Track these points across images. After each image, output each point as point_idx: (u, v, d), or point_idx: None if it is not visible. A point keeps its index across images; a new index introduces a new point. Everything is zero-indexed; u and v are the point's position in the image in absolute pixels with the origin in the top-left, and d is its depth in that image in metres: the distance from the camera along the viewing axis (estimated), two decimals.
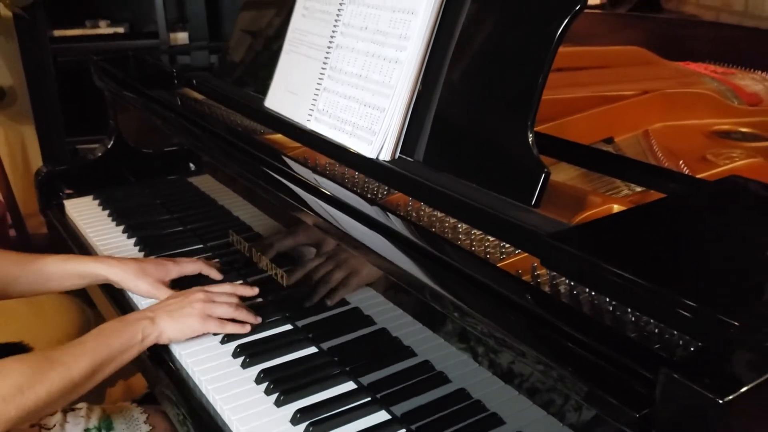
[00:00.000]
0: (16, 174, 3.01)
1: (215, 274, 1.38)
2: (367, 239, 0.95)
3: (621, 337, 0.69)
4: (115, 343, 1.09)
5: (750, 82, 1.80)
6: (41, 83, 2.76)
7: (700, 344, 0.62)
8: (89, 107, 2.90)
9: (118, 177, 1.85)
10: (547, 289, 0.82)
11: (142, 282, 1.32)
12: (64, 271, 1.36)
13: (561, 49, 2.27)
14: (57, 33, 2.77)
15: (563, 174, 1.18)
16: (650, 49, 2.06)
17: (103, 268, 1.35)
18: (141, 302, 1.34)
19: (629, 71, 1.89)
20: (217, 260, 1.43)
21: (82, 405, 1.36)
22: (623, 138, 1.45)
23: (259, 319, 1.23)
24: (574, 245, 0.74)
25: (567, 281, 0.82)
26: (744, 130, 1.56)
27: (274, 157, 1.22)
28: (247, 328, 1.21)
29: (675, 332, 0.66)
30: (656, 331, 0.69)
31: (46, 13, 2.67)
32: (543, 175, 0.89)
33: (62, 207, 1.78)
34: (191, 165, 1.66)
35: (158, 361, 1.18)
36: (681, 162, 1.31)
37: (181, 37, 2.89)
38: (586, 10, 2.90)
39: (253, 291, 1.29)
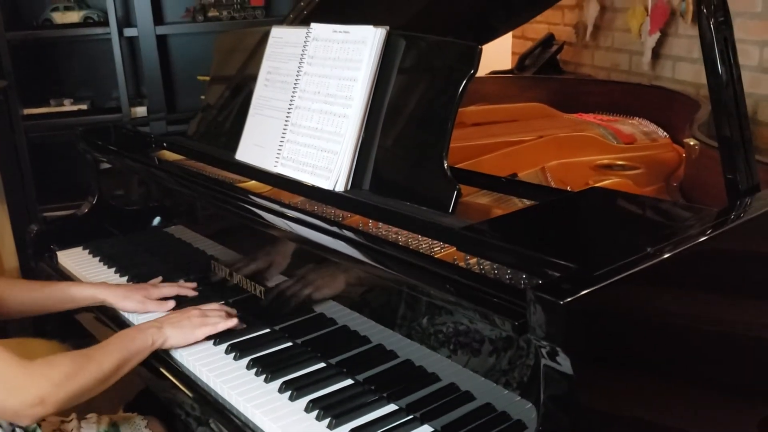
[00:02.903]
0: None
1: (191, 293, 1.70)
2: (333, 246, 1.28)
3: (510, 286, 1.03)
4: (133, 345, 1.38)
5: (628, 126, 2.22)
6: (12, 158, 3.02)
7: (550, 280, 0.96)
8: (55, 178, 3.18)
9: (102, 231, 2.12)
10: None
11: (128, 301, 1.66)
12: (68, 294, 1.67)
13: (476, 107, 2.68)
14: (26, 111, 3.05)
15: (480, 200, 1.53)
16: (552, 105, 2.46)
17: (98, 292, 1.68)
18: (129, 317, 1.66)
19: (531, 123, 2.28)
20: (194, 284, 1.72)
21: (93, 415, 1.62)
22: (525, 173, 1.82)
23: (241, 325, 1.53)
24: (477, 234, 1.09)
25: (477, 263, 1.16)
26: (621, 162, 1.96)
27: (254, 196, 1.54)
28: (236, 323, 1.49)
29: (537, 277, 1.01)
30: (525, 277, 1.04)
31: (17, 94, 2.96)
32: (456, 190, 1.24)
33: (54, 257, 2.04)
34: (160, 218, 1.96)
35: (164, 365, 1.46)
36: (569, 188, 1.68)
37: (140, 111, 3.20)
38: (498, 75, 3.41)
39: (233, 313, 1.55)
